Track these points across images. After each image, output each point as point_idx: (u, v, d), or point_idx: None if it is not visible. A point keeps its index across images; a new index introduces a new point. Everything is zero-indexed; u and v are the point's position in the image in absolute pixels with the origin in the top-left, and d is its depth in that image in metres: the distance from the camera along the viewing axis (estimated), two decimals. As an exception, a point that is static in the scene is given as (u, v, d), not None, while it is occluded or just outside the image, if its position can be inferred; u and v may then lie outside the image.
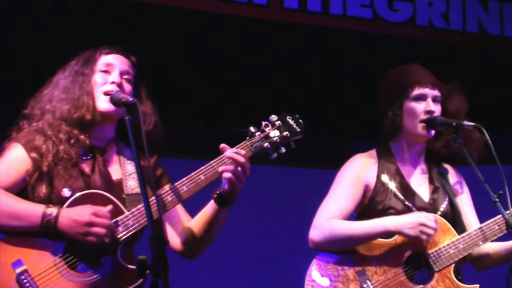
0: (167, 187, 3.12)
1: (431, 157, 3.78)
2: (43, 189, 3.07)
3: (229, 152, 3.05)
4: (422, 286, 3.50)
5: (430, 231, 3.45)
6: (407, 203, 3.61)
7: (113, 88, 3.16)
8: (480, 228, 3.57)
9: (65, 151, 3.12)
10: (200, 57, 5.24)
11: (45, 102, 3.21)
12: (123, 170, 3.20)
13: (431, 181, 3.73)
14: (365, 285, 3.49)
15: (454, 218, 3.65)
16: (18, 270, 2.95)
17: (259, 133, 3.13)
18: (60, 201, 3.04)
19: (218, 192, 3.12)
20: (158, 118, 3.28)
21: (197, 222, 3.21)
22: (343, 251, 3.54)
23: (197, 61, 5.24)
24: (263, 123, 3.15)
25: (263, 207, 5.62)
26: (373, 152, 3.75)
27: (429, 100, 3.65)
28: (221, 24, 5.26)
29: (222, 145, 3.07)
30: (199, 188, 3.06)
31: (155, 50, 4.98)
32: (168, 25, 5.13)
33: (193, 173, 3.07)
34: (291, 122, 3.18)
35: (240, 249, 5.47)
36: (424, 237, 3.45)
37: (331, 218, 3.55)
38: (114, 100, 3.09)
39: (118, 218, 3.02)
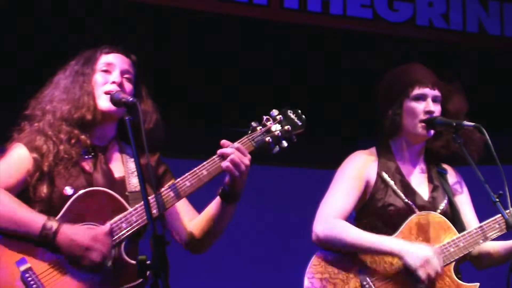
0: (171, 183, 3.12)
1: (430, 157, 3.78)
2: (44, 189, 3.07)
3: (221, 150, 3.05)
4: (422, 284, 3.50)
5: (431, 271, 3.41)
6: (407, 200, 3.61)
7: (113, 87, 3.16)
8: (481, 226, 3.57)
9: (66, 151, 3.12)
10: (200, 57, 5.24)
11: (46, 103, 3.22)
12: (126, 168, 3.21)
13: (430, 180, 3.73)
14: (365, 283, 3.49)
15: (453, 217, 3.65)
16: (22, 268, 2.96)
17: (261, 127, 3.13)
18: (62, 200, 3.05)
19: (222, 187, 3.12)
20: (159, 116, 3.29)
21: (203, 218, 3.22)
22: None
23: (197, 61, 5.24)
24: (264, 117, 3.16)
25: (263, 207, 5.62)
26: (373, 150, 3.76)
27: (429, 100, 3.65)
28: (221, 24, 5.25)
29: (223, 141, 3.07)
30: (202, 183, 3.06)
31: (155, 50, 4.98)
32: (168, 25, 5.13)
33: (195, 168, 3.08)
34: (293, 116, 3.19)
35: (240, 249, 5.47)
36: (423, 275, 3.41)
37: (336, 214, 3.54)
38: (114, 100, 3.10)
39: (121, 215, 3.03)
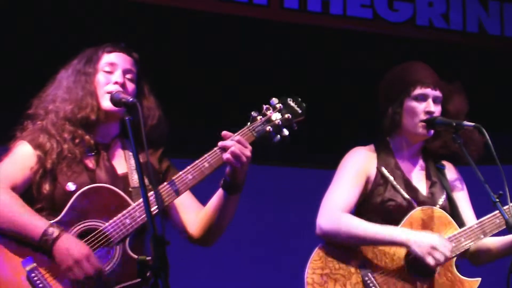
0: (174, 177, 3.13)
1: (428, 154, 3.78)
2: (46, 186, 3.08)
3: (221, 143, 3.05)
4: (424, 279, 3.50)
5: (440, 256, 3.42)
6: (407, 196, 3.61)
7: (115, 88, 3.17)
8: (481, 221, 3.57)
9: (70, 150, 3.14)
10: (200, 57, 5.24)
11: (49, 102, 3.23)
12: (128, 164, 3.21)
13: (428, 176, 3.73)
14: (366, 278, 3.49)
15: (452, 212, 3.66)
16: (28, 267, 2.97)
17: (261, 117, 3.14)
18: (64, 196, 3.05)
19: (223, 178, 3.13)
20: (161, 113, 3.30)
21: (207, 210, 3.22)
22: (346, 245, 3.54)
23: (197, 61, 5.24)
24: (264, 106, 3.16)
25: (263, 207, 5.62)
26: (371, 146, 3.76)
27: (430, 100, 3.65)
28: (221, 24, 5.25)
29: (224, 132, 3.07)
30: (204, 175, 3.07)
31: (155, 50, 4.97)
32: (168, 25, 5.13)
33: (197, 161, 3.08)
34: (293, 104, 3.19)
35: (240, 249, 5.47)
36: (431, 261, 3.42)
37: (339, 207, 3.54)
38: (114, 100, 3.11)
39: (125, 211, 3.03)
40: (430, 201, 3.64)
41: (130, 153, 3.24)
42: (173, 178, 3.09)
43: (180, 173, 3.09)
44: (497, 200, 3.38)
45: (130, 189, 3.14)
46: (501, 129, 5.05)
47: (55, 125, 3.17)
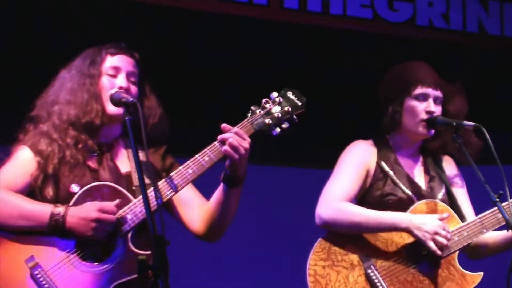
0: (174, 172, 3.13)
1: (427, 152, 3.78)
2: (50, 191, 3.10)
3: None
4: (426, 272, 3.50)
5: (443, 240, 3.43)
6: (407, 190, 3.61)
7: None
8: (482, 217, 3.58)
9: (72, 156, 3.14)
10: (200, 57, 5.24)
11: (51, 104, 3.23)
12: (132, 163, 3.21)
13: (426, 171, 3.74)
14: (369, 271, 3.48)
15: (452, 206, 3.67)
16: (31, 265, 2.99)
17: (260, 110, 3.13)
18: (69, 197, 3.07)
19: (224, 171, 3.12)
20: (162, 111, 3.30)
21: (210, 204, 3.22)
22: (347, 235, 3.53)
23: (197, 61, 5.24)
24: (264, 100, 3.16)
25: (263, 207, 5.62)
26: (371, 141, 3.76)
27: (431, 100, 3.66)
28: (221, 24, 5.25)
29: (224, 125, 3.08)
30: (204, 169, 3.07)
31: (155, 50, 4.97)
32: (168, 25, 5.13)
33: (197, 155, 3.09)
34: (292, 96, 3.18)
35: (240, 249, 5.47)
36: (432, 246, 3.43)
37: (339, 197, 3.54)
38: (114, 100, 3.11)
39: (126, 207, 3.04)
40: (430, 195, 3.65)
41: None
42: (173, 173, 3.10)
43: (180, 167, 3.09)
44: (497, 200, 3.39)
45: (133, 187, 3.14)
46: (501, 129, 5.04)
47: (58, 129, 3.17)
